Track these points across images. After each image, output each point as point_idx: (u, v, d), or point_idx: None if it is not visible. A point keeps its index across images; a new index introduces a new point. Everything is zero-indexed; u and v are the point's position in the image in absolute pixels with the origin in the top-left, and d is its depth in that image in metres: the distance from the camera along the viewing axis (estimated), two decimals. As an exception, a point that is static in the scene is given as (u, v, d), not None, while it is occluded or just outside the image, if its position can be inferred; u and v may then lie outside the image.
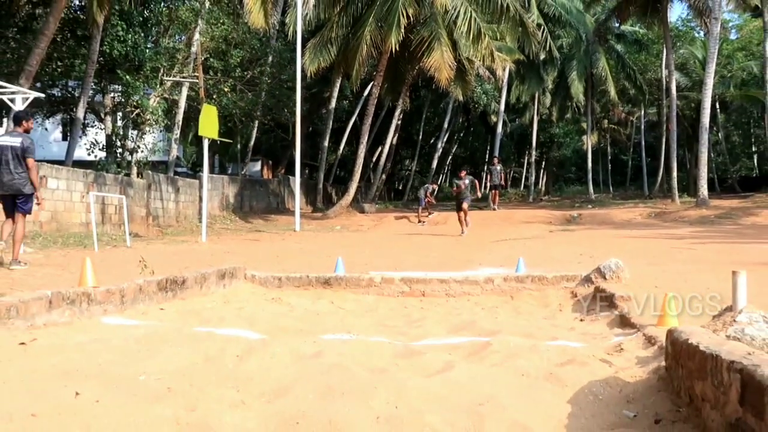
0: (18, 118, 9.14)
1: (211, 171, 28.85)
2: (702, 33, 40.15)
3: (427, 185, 28.48)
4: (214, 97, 25.62)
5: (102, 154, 21.87)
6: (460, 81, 28.61)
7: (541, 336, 4.46)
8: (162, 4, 23.56)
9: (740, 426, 1.97)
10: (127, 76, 20.56)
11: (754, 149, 53.87)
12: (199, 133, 16.96)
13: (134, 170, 21.43)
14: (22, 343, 3.56)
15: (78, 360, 3.35)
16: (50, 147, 35.93)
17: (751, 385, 1.92)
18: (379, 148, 34.54)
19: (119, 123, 23.31)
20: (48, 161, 18.11)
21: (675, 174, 31.03)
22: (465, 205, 17.77)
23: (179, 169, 30.99)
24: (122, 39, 20.80)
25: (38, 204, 9.10)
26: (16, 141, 8.66)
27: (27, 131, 8.95)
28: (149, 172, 21.42)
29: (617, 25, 37.79)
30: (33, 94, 12.61)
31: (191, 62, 24.03)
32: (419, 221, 25.05)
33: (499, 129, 38.55)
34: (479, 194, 15.22)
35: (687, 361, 2.55)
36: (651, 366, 3.25)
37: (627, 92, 42.79)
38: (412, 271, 7.48)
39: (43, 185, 15.47)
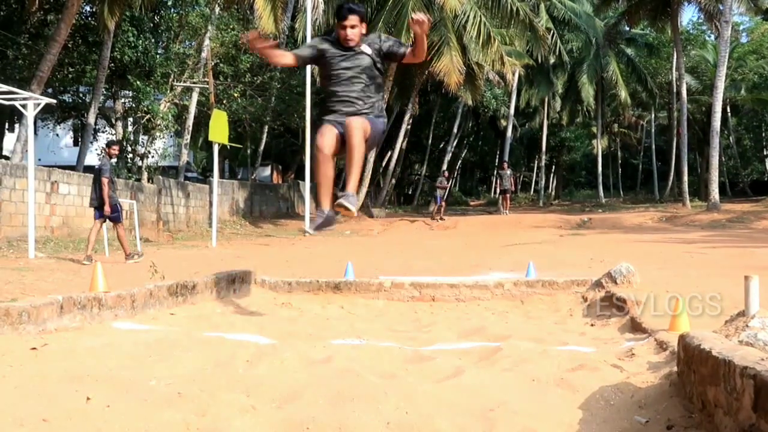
0: (106, 144, 12.10)
1: (221, 176, 28.93)
2: (713, 36, 40.02)
3: (440, 178, 28.46)
4: (224, 102, 25.71)
5: (113, 160, 21.98)
6: (469, 85, 28.61)
7: (552, 341, 4.44)
8: (172, 10, 23.68)
9: (754, 432, 1.96)
10: (138, 82, 20.66)
11: (765, 153, 53.57)
12: (209, 139, 17.01)
13: (145, 175, 21.52)
14: (34, 348, 3.58)
15: (89, 365, 3.36)
16: (61, 152, 36.16)
17: (764, 391, 1.90)
18: (389, 153, 34.57)
19: (130, 128, 23.43)
20: (59, 167, 18.21)
21: (686, 178, 30.91)
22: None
23: (189, 174, 31.09)
24: (133, 45, 20.91)
25: (106, 214, 11.22)
26: (97, 163, 11.30)
27: (110, 156, 11.49)
28: (160, 177, 21.50)
29: (627, 28, 37.68)
30: (45, 100, 12.68)
31: (201, 68, 24.12)
32: (441, 218, 25.23)
33: (509, 133, 38.51)
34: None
35: (699, 367, 2.53)
36: (663, 371, 3.22)
37: (637, 96, 42.66)
38: (422, 276, 7.47)
39: (55, 190, 15.56)
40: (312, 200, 24.04)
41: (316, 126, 5.48)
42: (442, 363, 3.59)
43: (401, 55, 5.42)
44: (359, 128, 5.09)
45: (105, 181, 10.94)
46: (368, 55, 5.25)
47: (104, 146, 12.05)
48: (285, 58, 5.52)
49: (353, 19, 5.15)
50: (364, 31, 5.25)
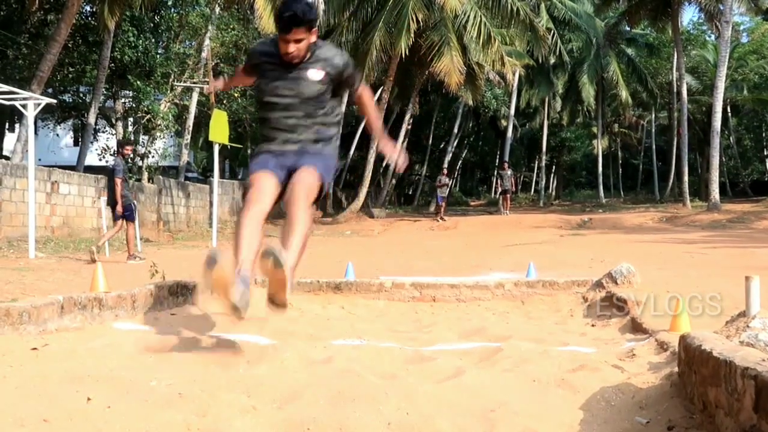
0: (119, 144, 12.99)
1: (222, 176, 28.93)
2: (713, 36, 40.03)
3: (440, 177, 28.41)
4: (225, 102, 25.72)
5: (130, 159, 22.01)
6: (470, 85, 28.61)
7: (553, 341, 4.44)
8: (172, 9, 23.71)
9: (755, 433, 1.96)
10: (138, 82, 20.68)
11: (766, 153, 53.55)
12: (210, 139, 17.01)
13: (145, 175, 21.53)
14: (34, 349, 3.58)
15: (89, 365, 3.35)
16: (61, 152, 36.18)
17: (765, 392, 1.90)
18: (389, 153, 34.50)
19: (130, 128, 23.45)
20: (59, 167, 18.21)
21: (686, 178, 30.91)
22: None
23: (190, 174, 31.11)
24: (133, 45, 20.93)
25: (118, 213, 11.32)
26: (110, 163, 12.05)
27: (124, 156, 11.77)
28: (160, 177, 21.52)
29: (628, 28, 37.69)
30: (45, 100, 12.68)
31: (201, 67, 24.13)
32: (441, 218, 25.33)
33: (509, 133, 38.52)
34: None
35: (700, 368, 2.53)
36: (663, 372, 3.22)
37: (638, 96, 42.65)
38: (423, 276, 7.46)
39: (55, 190, 15.57)
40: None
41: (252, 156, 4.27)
42: (442, 363, 3.59)
43: (351, 92, 4.32)
44: (305, 195, 3.82)
45: (118, 181, 11.15)
46: (317, 81, 4.01)
47: (117, 146, 12.89)
48: (245, 78, 4.53)
49: (299, 32, 3.86)
50: (313, 39, 3.98)
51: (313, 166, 3.93)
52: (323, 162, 4.04)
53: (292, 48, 3.87)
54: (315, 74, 4.01)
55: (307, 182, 3.86)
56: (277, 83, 4.03)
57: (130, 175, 20.70)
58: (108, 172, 11.74)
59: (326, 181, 4.03)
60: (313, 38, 3.96)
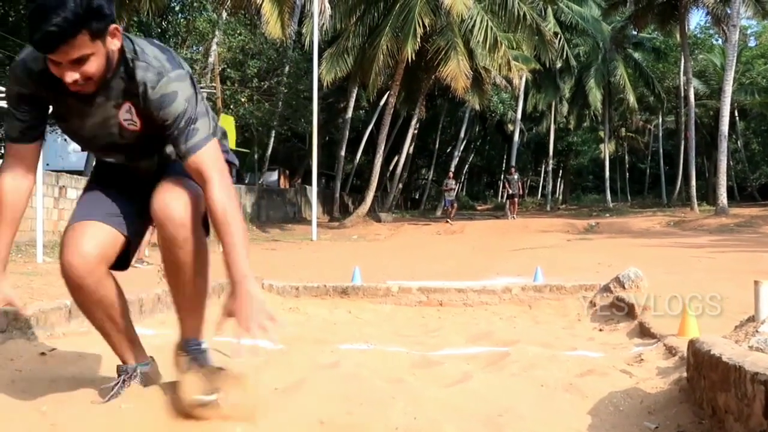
0: None
1: (229, 180, 28.93)
2: (720, 40, 39.95)
3: (446, 180, 28.51)
4: (231, 107, 25.76)
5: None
6: (476, 90, 28.61)
7: (560, 346, 4.43)
8: (180, 15, 23.78)
9: (765, 438, 1.95)
10: (146, 87, 20.73)
11: (774, 157, 53.39)
12: (217, 143, 17.06)
13: (152, 180, 21.59)
14: (42, 354, 3.58)
15: (97, 370, 3.36)
16: (69, 158, 36.25)
17: (775, 397, 1.89)
18: (396, 158, 34.61)
19: (138, 133, 23.48)
20: (67, 172, 18.28)
21: (693, 182, 30.82)
22: None
23: (197, 179, 31.12)
24: (141, 50, 21.00)
25: None
26: None
27: None
28: (167, 181, 21.55)
29: (635, 32, 37.66)
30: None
31: (209, 72, 24.19)
32: (447, 221, 25.46)
33: (516, 138, 38.51)
34: None
35: (709, 373, 2.52)
36: (672, 377, 3.21)
37: (645, 100, 42.62)
38: (430, 281, 7.45)
39: (63, 195, 15.62)
40: (319, 207, 23.94)
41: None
42: (449, 368, 3.58)
43: (177, 152, 2.37)
44: (187, 217, 2.50)
45: None
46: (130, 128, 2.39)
47: None
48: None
49: (71, 48, 2.12)
50: (116, 45, 2.22)
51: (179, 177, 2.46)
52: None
53: (70, 76, 2.17)
54: (125, 111, 2.37)
55: (185, 197, 2.45)
56: (79, 115, 2.41)
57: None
58: None
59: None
60: (116, 43, 2.24)
